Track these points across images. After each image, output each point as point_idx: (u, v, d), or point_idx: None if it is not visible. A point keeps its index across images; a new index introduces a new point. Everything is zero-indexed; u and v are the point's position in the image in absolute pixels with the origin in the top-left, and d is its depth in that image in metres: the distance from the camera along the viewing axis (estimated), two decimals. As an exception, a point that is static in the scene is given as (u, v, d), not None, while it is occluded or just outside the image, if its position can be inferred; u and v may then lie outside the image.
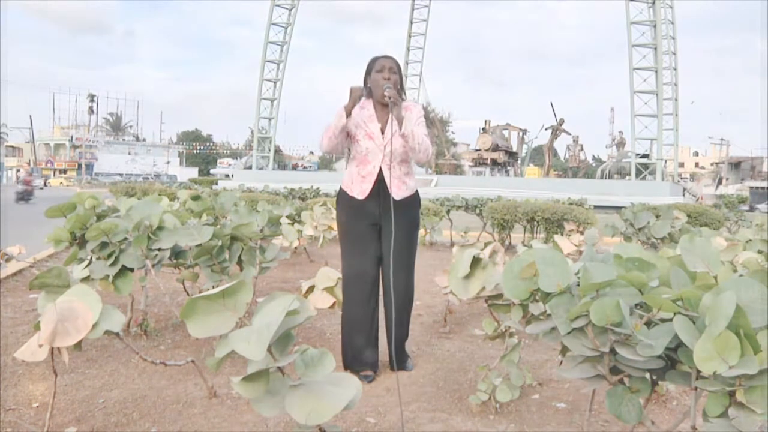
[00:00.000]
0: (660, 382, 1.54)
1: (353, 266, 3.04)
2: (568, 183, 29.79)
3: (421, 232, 8.93)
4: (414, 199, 3.11)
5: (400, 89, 3.02)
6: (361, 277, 3.02)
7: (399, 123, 2.89)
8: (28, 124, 65.55)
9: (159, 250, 3.24)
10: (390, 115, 2.92)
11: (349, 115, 2.94)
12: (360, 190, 3.02)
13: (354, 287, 3.02)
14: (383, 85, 2.92)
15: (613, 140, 49.90)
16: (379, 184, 2.99)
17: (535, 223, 8.23)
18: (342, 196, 3.10)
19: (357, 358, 3.03)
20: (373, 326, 3.06)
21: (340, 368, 3.06)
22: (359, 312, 3.02)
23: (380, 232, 3.06)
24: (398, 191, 3.00)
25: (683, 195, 29.38)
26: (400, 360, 3.08)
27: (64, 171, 64.38)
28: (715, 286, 1.40)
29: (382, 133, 2.99)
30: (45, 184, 44.36)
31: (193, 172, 65.13)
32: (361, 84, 3.05)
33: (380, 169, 2.99)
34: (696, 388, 1.39)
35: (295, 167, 52.48)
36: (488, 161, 36.26)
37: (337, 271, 3.22)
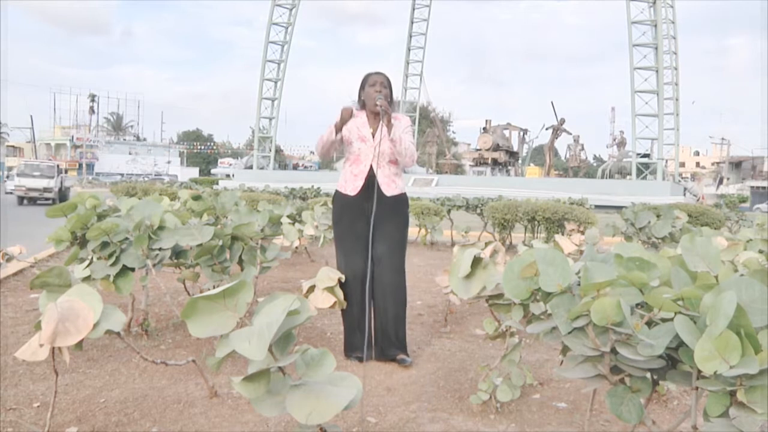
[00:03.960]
0: (661, 382, 1.54)
1: (345, 264, 3.32)
2: (569, 182, 29.76)
3: (422, 231, 8.93)
4: (403, 198, 3.39)
5: (390, 101, 3.33)
6: (356, 274, 3.27)
7: (389, 129, 3.22)
8: (28, 124, 65.47)
9: (160, 249, 3.24)
10: (381, 121, 3.24)
11: (339, 131, 3.27)
12: (352, 187, 3.31)
13: (346, 284, 3.27)
14: (375, 96, 3.25)
15: (614, 140, 49.84)
16: (370, 180, 3.27)
17: (536, 222, 8.23)
18: (336, 196, 3.41)
19: (349, 347, 3.32)
20: (363, 318, 3.26)
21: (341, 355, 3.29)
22: (351, 307, 3.28)
23: (372, 229, 3.25)
24: (388, 188, 3.30)
25: (684, 195, 29.31)
26: (401, 352, 3.27)
27: (65, 171, 64.36)
28: (716, 285, 1.40)
29: (373, 136, 3.30)
30: None
31: (194, 172, 64.99)
32: (356, 98, 3.41)
33: (371, 168, 3.28)
34: (697, 388, 1.39)
35: (295, 167, 52.47)
36: (489, 161, 36.24)
37: (337, 271, 3.23)
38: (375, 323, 3.28)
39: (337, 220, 3.40)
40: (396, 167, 3.35)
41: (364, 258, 3.23)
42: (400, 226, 3.34)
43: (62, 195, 21.44)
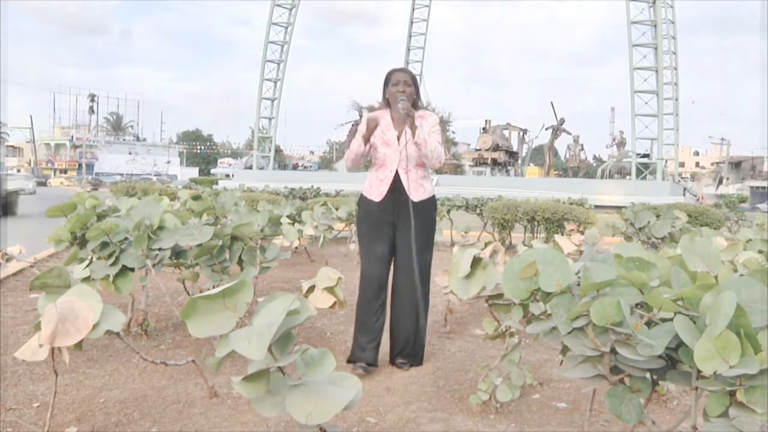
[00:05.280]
0: (660, 382, 1.54)
1: (368, 270, 3.21)
2: (569, 182, 29.75)
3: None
4: (431, 202, 3.27)
5: (416, 99, 3.22)
6: (374, 281, 3.18)
7: (413, 132, 3.08)
8: (28, 124, 65.53)
9: (159, 249, 3.24)
10: (404, 123, 3.12)
11: (367, 142, 3.16)
12: (378, 193, 3.20)
13: (366, 290, 3.19)
14: (398, 98, 3.13)
15: (614, 140, 49.83)
16: (395, 186, 3.16)
17: (536, 222, 8.23)
18: (361, 201, 3.30)
19: (357, 354, 3.17)
20: (379, 327, 3.19)
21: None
22: (367, 313, 3.17)
23: (395, 234, 3.19)
24: (415, 193, 3.17)
25: (684, 195, 29.30)
26: (418, 358, 3.22)
27: (65, 171, 64.41)
28: (716, 285, 1.40)
29: (398, 140, 3.18)
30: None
31: (194, 172, 65.01)
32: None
33: (396, 173, 3.17)
34: (696, 388, 1.39)
35: (295, 167, 52.46)
36: (489, 161, 36.21)
37: (337, 271, 3.23)
38: (394, 332, 3.20)
39: (361, 226, 3.30)
40: (424, 170, 3.23)
41: (387, 265, 3.19)
42: (427, 232, 3.21)
43: (4, 205, 13.88)
